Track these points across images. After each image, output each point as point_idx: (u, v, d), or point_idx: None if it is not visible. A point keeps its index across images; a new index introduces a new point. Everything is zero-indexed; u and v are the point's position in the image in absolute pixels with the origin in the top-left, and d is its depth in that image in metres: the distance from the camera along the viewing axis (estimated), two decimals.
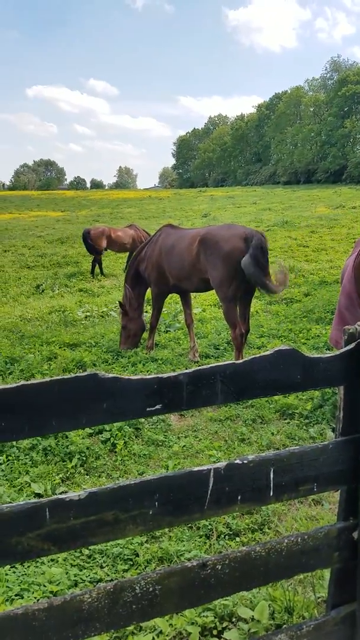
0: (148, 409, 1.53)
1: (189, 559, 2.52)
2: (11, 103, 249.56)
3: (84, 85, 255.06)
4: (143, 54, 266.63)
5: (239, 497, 1.66)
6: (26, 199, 53.62)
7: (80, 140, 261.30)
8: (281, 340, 6.14)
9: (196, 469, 1.61)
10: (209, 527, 2.82)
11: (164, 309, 7.12)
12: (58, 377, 1.43)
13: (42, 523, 1.44)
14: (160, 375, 1.54)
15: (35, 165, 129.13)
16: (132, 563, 2.59)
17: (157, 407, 1.54)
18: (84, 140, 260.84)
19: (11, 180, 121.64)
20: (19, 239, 19.88)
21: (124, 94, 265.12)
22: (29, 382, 1.41)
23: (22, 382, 1.41)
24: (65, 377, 1.44)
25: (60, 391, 1.43)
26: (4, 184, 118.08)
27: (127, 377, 1.51)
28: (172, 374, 1.55)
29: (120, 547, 2.65)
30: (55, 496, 1.48)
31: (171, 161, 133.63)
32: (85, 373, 1.46)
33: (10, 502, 2.88)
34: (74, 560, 2.58)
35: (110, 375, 1.49)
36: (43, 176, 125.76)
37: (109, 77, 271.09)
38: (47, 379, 1.43)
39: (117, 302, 6.31)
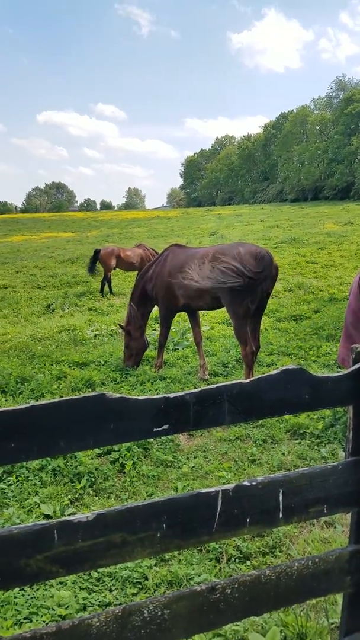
0: (155, 430, 1.53)
1: (198, 583, 2.48)
2: (23, 129, 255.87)
3: (92, 109, 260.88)
4: (150, 78, 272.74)
5: (248, 520, 1.64)
6: (38, 221, 54.50)
7: (90, 164, 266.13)
8: (291, 357, 6.11)
9: (204, 490, 1.60)
10: (219, 550, 2.78)
11: (172, 327, 7.14)
12: (66, 398, 1.44)
13: (51, 545, 1.44)
14: (167, 395, 1.54)
15: (47, 188, 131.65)
16: (141, 587, 2.55)
17: (164, 427, 1.54)
18: (93, 164, 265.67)
19: (23, 203, 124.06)
20: (30, 259, 20.16)
21: (131, 117, 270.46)
22: (38, 403, 1.43)
23: (32, 403, 1.42)
24: (73, 397, 1.45)
25: (68, 412, 1.44)
26: (16, 207, 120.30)
27: (134, 397, 1.51)
28: (179, 393, 1.56)
29: (130, 570, 2.62)
30: (63, 518, 1.48)
31: (179, 181, 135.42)
32: (92, 393, 1.47)
33: (19, 524, 2.88)
34: (83, 584, 2.55)
35: (117, 395, 1.49)
36: (54, 199, 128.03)
37: (117, 102, 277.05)
38: (56, 399, 1.44)
39: (118, 325, 6.34)
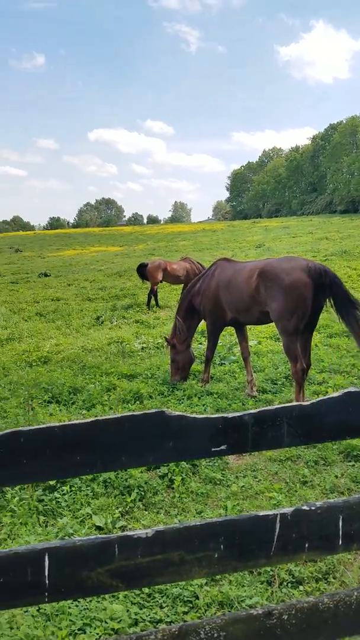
0: (213, 449, 1.54)
1: (250, 606, 2.45)
2: (75, 146, 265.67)
3: (141, 126, 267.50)
4: (197, 94, 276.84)
5: (306, 545, 1.61)
6: (88, 235, 56.20)
7: (138, 179, 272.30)
8: (343, 376, 5.94)
9: (262, 513, 1.59)
10: (270, 572, 2.73)
11: (218, 342, 7.13)
12: (127, 414, 1.48)
13: (112, 559, 1.47)
14: (224, 415, 1.55)
15: (97, 204, 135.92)
16: (191, 605, 2.54)
17: (222, 447, 1.54)
18: (141, 179, 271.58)
19: (75, 218, 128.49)
20: (81, 273, 20.80)
21: (179, 132, 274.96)
22: (101, 418, 1.48)
23: (96, 417, 1.47)
24: (134, 413, 1.49)
25: (129, 427, 1.48)
26: (68, 222, 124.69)
27: (192, 415, 1.53)
28: (237, 413, 1.56)
29: (180, 588, 2.61)
30: (123, 532, 1.51)
31: (224, 194, 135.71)
32: (152, 410, 1.50)
33: (73, 534, 2.95)
34: (134, 598, 2.58)
35: (176, 413, 1.52)
36: (103, 214, 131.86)
37: (165, 118, 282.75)
38: (118, 414, 1.49)
39: (164, 338, 6.38)
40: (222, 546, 1.55)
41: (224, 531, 1.55)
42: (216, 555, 1.55)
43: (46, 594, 1.48)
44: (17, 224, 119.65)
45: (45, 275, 20.85)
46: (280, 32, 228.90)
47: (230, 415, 1.54)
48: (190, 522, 1.55)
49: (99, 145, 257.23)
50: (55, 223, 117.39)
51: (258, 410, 1.56)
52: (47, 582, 1.47)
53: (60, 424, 1.45)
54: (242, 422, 1.54)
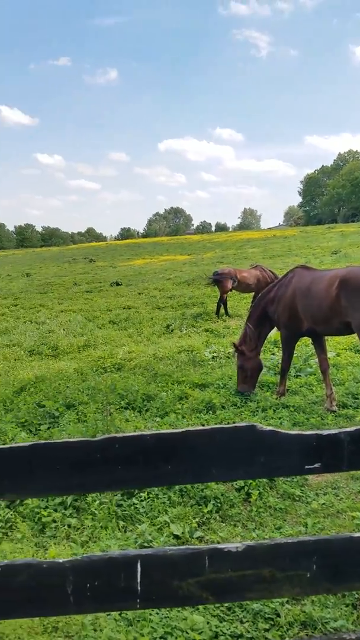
0: (307, 467, 1.50)
1: (335, 629, 2.34)
2: (145, 158, 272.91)
3: (210, 134, 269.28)
4: (268, 99, 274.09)
5: None
6: (157, 245, 57.38)
7: (206, 187, 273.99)
8: None
9: (356, 535, 1.52)
10: (356, 595, 2.60)
11: (294, 353, 6.96)
12: (218, 426, 1.49)
13: (202, 570, 1.48)
14: (319, 432, 1.51)
15: (166, 213, 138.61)
16: (272, 623, 2.48)
17: (316, 465, 1.50)
18: (210, 187, 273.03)
19: (144, 228, 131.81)
20: (151, 282, 21.27)
21: (249, 139, 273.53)
22: (192, 428, 1.49)
23: (187, 428, 1.49)
24: (225, 426, 1.49)
25: (221, 440, 1.48)
26: (138, 232, 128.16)
27: (284, 431, 1.50)
28: (332, 431, 1.52)
29: (261, 604, 2.57)
30: (213, 545, 1.52)
31: (296, 199, 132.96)
32: (243, 424, 1.50)
33: (152, 540, 3.00)
34: (214, 610, 2.56)
35: (268, 428, 1.50)
36: (172, 223, 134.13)
37: (235, 125, 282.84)
38: (208, 426, 1.49)
39: (232, 344, 6.29)
40: (314, 566, 1.51)
41: (317, 551, 1.51)
42: (308, 575, 1.51)
43: (138, 600, 1.52)
44: (91, 235, 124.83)
45: (117, 284, 21.54)
46: (356, 32, 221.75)
47: (325, 432, 1.50)
48: (282, 539, 1.52)
49: (168, 155, 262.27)
50: (125, 233, 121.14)
51: (355, 428, 1.50)
52: (139, 588, 1.51)
53: (153, 432, 1.49)
54: (338, 439, 1.49)
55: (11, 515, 3.57)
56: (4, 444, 4.40)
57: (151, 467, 1.48)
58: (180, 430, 1.48)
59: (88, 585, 1.50)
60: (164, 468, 1.48)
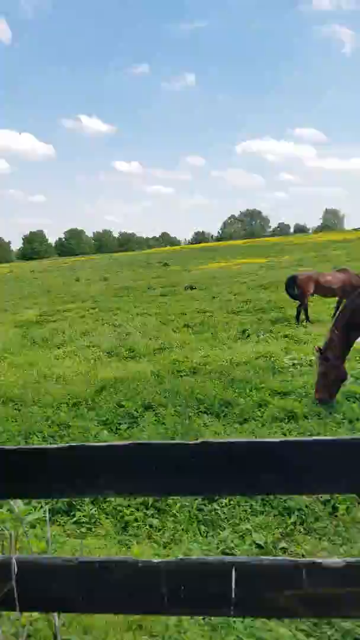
0: None
1: None
2: (221, 160, 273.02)
3: (290, 134, 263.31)
4: (353, 96, 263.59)
5: None
6: (232, 248, 57.21)
7: (285, 188, 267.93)
8: None
9: None
10: None
11: None
12: (319, 438, 1.44)
13: (300, 584, 1.44)
14: None
15: (241, 215, 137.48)
16: None
17: None
18: (289, 187, 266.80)
19: (219, 231, 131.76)
20: (225, 285, 21.21)
21: (332, 138, 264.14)
22: (290, 439, 1.46)
23: (285, 438, 1.46)
24: (326, 438, 1.44)
25: (320, 452, 1.43)
26: (212, 236, 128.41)
27: None
28: None
29: (351, 623, 2.45)
30: (312, 559, 1.47)
31: None
32: (348, 437, 1.43)
33: (234, 548, 2.97)
34: (300, 625, 2.49)
35: None
36: (248, 225, 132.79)
37: (316, 123, 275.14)
38: (306, 438, 1.45)
39: (316, 348, 6.02)
40: None
41: None
42: None
43: (232, 607, 1.51)
44: (165, 239, 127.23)
45: (191, 288, 21.71)
46: None
47: None
48: None
49: (246, 157, 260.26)
50: (199, 237, 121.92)
51: None
52: (233, 596, 1.49)
53: (247, 440, 1.47)
54: None
55: (95, 511, 3.71)
56: (87, 440, 4.59)
57: (245, 475, 1.47)
58: (276, 440, 1.45)
59: (182, 587, 1.52)
60: (258, 477, 1.46)
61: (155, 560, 1.56)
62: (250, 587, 1.47)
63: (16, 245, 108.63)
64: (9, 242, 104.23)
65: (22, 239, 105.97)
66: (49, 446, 1.52)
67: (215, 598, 1.51)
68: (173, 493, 1.58)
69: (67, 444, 1.51)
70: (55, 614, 1.98)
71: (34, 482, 1.54)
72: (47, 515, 2.10)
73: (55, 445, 1.52)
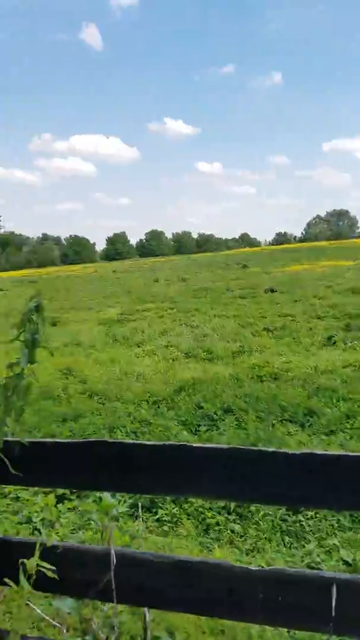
0: None
1: None
2: (307, 160, 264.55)
3: None
4: None
5: None
6: (317, 249, 55.25)
7: None
8: None
9: None
10: None
11: None
12: None
13: None
14: None
15: (327, 216, 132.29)
16: None
17: None
18: None
19: (302, 232, 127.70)
20: (309, 289, 20.56)
21: None
22: (350, 454, 1.38)
23: (343, 452, 1.38)
24: None
25: None
26: (295, 237, 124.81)
27: None
28: None
29: None
30: None
31: None
32: None
33: (320, 563, 2.87)
34: None
35: None
36: (334, 226, 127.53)
37: None
38: None
39: None
40: None
41: None
42: None
43: (331, 624, 1.45)
44: (245, 240, 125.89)
45: (272, 290, 21.29)
46: None
47: None
48: None
49: (334, 155, 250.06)
50: (281, 238, 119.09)
51: None
52: (333, 613, 1.44)
53: (338, 453, 1.42)
54: None
55: (177, 511, 3.76)
56: (168, 440, 4.68)
57: (332, 488, 1.41)
58: (336, 453, 1.38)
59: (280, 598, 1.49)
60: (347, 488, 1.39)
61: (253, 567, 1.55)
62: (353, 605, 1.41)
63: (100, 246, 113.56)
64: (94, 244, 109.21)
65: (106, 240, 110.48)
66: (156, 442, 1.57)
67: (313, 613, 1.46)
68: (272, 502, 1.56)
69: (172, 443, 1.54)
70: (146, 609, 2.03)
71: (139, 476, 1.59)
72: (140, 510, 2.16)
73: (158, 442, 1.56)
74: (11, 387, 1.00)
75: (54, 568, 1.31)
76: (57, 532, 3.73)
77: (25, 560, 1.32)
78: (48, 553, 1.57)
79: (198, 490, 1.61)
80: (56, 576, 1.53)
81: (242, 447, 1.52)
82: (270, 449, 1.49)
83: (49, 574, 1.50)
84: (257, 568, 1.53)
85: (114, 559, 1.67)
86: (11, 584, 1.44)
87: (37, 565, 1.32)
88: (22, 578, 1.29)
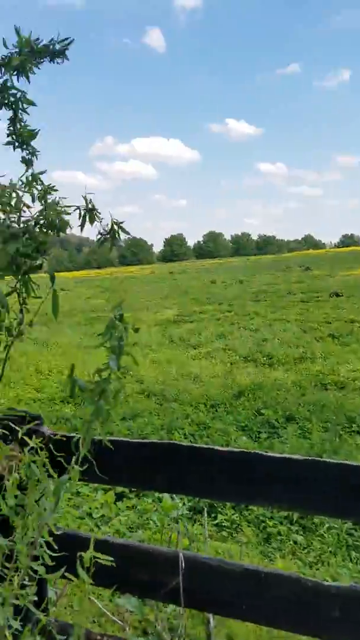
0: None
1: None
2: None
3: None
4: None
5: None
6: None
7: None
8: None
9: None
10: None
11: None
12: None
13: None
14: None
15: None
16: None
17: None
18: None
19: None
20: None
21: None
22: None
23: None
24: None
25: None
26: None
27: None
28: None
29: None
30: None
31: None
32: None
33: None
34: None
35: None
36: None
37: None
38: None
39: None
40: None
41: None
42: None
43: None
44: (308, 242, 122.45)
45: (337, 295, 20.55)
46: None
47: None
48: None
49: None
50: (347, 240, 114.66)
51: None
52: None
53: None
54: None
55: (237, 517, 3.71)
56: (227, 444, 4.62)
57: None
58: None
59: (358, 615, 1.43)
60: None
61: (327, 582, 1.49)
62: None
63: (158, 248, 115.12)
64: (152, 245, 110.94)
65: (163, 241, 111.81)
66: (233, 449, 1.55)
67: None
68: (345, 516, 1.49)
69: (248, 451, 1.52)
70: (211, 615, 2.02)
71: (210, 483, 1.58)
72: (205, 515, 2.14)
73: (235, 449, 1.54)
74: (98, 392, 1.02)
75: (110, 558, 1.32)
76: (118, 530, 3.80)
77: (82, 553, 1.34)
78: (115, 550, 1.59)
79: (269, 499, 1.57)
80: (116, 568, 1.54)
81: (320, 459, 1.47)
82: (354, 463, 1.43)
83: (108, 566, 1.50)
84: (332, 584, 1.48)
85: (182, 563, 1.66)
86: (72, 577, 1.47)
87: (96, 560, 1.34)
88: (80, 570, 1.31)
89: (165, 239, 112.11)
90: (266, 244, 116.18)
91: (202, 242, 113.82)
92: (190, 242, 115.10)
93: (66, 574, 1.38)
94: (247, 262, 61.08)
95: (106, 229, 1.34)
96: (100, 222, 1.32)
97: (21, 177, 1.08)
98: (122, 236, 1.31)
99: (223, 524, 3.71)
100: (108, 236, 1.31)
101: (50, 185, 1.09)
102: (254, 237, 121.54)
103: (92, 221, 1.28)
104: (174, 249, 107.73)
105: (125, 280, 44.38)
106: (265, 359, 10.04)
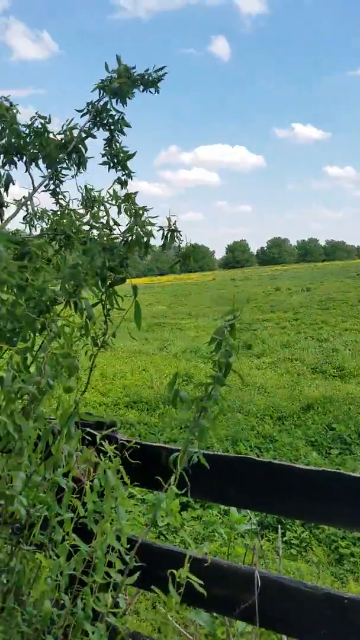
0: None
1: None
2: None
3: None
4: None
5: None
6: None
7: None
8: None
9: None
10: None
11: None
12: None
13: None
14: None
15: None
16: None
17: None
18: None
19: None
20: None
21: None
22: None
23: None
24: None
25: None
26: None
27: None
28: None
29: None
30: None
31: None
32: None
33: None
34: None
35: None
36: None
37: None
38: None
39: None
40: None
41: None
42: None
43: None
44: None
45: None
46: None
47: None
48: None
49: None
50: None
51: None
52: None
53: None
54: None
55: (306, 536, 3.59)
56: (296, 459, 4.48)
57: None
58: None
59: None
60: None
61: None
62: None
63: (220, 254, 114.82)
64: (213, 251, 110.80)
65: (226, 248, 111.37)
66: (311, 468, 1.51)
67: None
68: None
69: (327, 470, 1.47)
70: (284, 637, 1.95)
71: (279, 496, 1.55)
72: (280, 534, 2.08)
73: (313, 468, 1.50)
74: (199, 409, 1.03)
75: (202, 582, 1.31)
76: (183, 540, 3.80)
77: (174, 571, 1.34)
78: (194, 564, 1.59)
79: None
80: (203, 590, 1.53)
81: None
82: None
83: (197, 587, 1.50)
84: None
85: (258, 582, 1.63)
86: (158, 592, 1.47)
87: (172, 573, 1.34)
88: (171, 588, 1.31)
89: (228, 245, 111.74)
90: (334, 250, 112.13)
91: (265, 248, 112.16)
92: (253, 249, 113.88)
93: (152, 587, 1.39)
94: (314, 269, 59.34)
95: (182, 251, 1.36)
96: (180, 244, 1.34)
97: (114, 196, 1.12)
98: (184, 243, 1.33)
99: (292, 542, 3.60)
100: (181, 259, 1.33)
101: (143, 206, 1.12)
102: (322, 242, 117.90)
103: (172, 241, 1.31)
104: (236, 255, 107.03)
105: (186, 286, 44.68)
106: (335, 370, 9.68)
